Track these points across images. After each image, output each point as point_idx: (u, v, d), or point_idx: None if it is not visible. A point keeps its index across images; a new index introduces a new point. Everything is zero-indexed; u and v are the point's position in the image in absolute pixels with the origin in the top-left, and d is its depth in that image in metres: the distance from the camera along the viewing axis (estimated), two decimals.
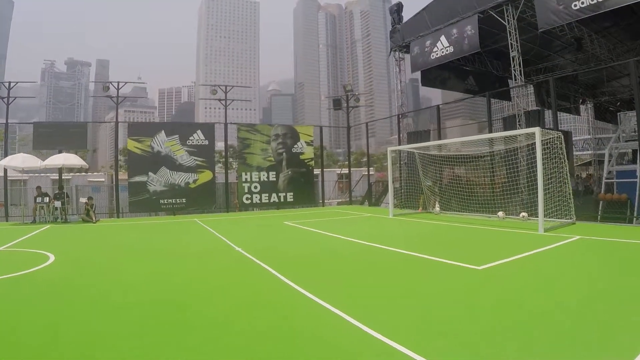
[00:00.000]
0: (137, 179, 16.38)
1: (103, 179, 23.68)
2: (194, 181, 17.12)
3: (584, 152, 30.67)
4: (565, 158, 10.18)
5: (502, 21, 13.64)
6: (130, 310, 4.04)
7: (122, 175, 19.25)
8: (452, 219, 12.06)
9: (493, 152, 13.04)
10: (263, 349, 2.99)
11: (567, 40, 15.30)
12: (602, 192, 13.87)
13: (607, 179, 14.40)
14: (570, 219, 9.99)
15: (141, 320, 3.73)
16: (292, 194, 18.82)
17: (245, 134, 18.52)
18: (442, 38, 15.40)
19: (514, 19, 13.36)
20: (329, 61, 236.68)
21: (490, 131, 14.19)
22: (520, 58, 13.71)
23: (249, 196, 18.09)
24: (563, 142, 10.18)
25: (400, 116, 18.59)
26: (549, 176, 9.82)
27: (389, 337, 3.09)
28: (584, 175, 24.02)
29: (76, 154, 17.43)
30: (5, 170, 15.29)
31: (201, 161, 17.33)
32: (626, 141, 15.63)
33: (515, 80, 13.96)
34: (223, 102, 18.04)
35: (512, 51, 13.67)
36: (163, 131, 17.07)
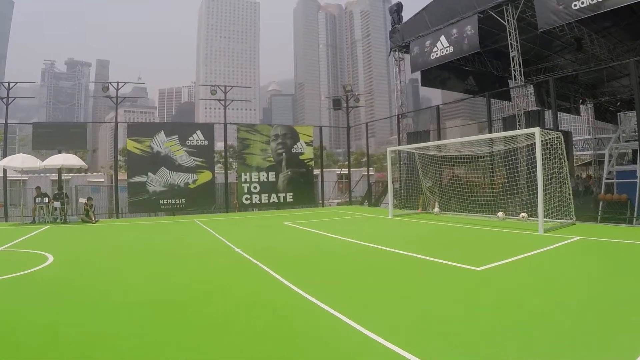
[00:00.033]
0: (137, 179, 16.37)
1: (102, 179, 23.66)
2: (194, 181, 17.11)
3: (584, 152, 30.65)
4: (565, 158, 10.16)
5: (502, 21, 13.63)
6: (129, 310, 4.04)
7: (122, 175, 19.23)
8: (451, 219, 12.05)
9: (493, 152, 13.02)
10: (262, 350, 2.98)
11: (567, 40, 15.29)
12: (602, 192, 13.85)
13: (607, 179, 14.38)
14: (570, 219, 9.97)
15: (140, 321, 3.72)
16: (291, 194, 18.80)
17: (244, 134, 18.51)
18: (442, 38, 15.39)
19: (513, 19, 13.35)
20: (329, 61, 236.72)
21: (490, 131, 14.18)
22: (520, 58, 13.70)
23: (249, 196, 18.08)
24: (563, 142, 10.16)
25: (400, 116, 18.57)
26: (549, 177, 9.80)
27: (387, 339, 3.08)
28: (584, 175, 24.00)
29: (76, 154, 17.42)
30: (5, 171, 15.28)
31: (201, 161, 17.32)
32: (626, 141, 15.61)
33: (515, 80, 13.95)
34: (223, 102, 18.02)
35: (512, 51, 13.66)
36: (162, 131, 17.05)
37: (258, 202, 18.29)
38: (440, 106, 17.84)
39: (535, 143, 9.15)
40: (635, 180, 11.84)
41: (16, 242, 9.32)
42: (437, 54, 15.69)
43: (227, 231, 10.84)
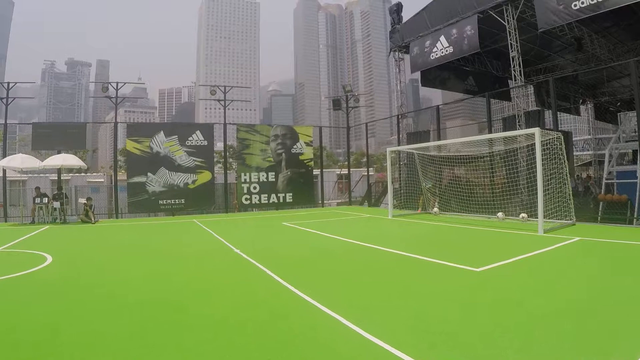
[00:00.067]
0: (136, 179, 16.35)
1: (102, 180, 23.64)
2: (193, 182, 17.09)
3: (584, 153, 30.61)
4: (565, 159, 10.13)
5: (502, 21, 13.61)
6: (127, 310, 4.02)
7: (122, 175, 19.22)
8: (451, 220, 12.03)
9: (493, 152, 13.00)
10: (259, 350, 2.97)
11: (567, 40, 15.27)
12: (602, 192, 13.83)
13: (607, 179, 14.36)
14: (570, 220, 9.95)
15: (138, 321, 3.71)
16: (291, 194, 18.78)
17: (244, 135, 18.49)
18: (442, 38, 15.38)
19: (513, 19, 13.33)
20: (329, 61, 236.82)
21: (490, 132, 14.16)
22: (520, 58, 13.68)
23: (248, 197, 18.06)
24: (563, 142, 10.14)
25: (399, 117, 18.55)
26: (549, 177, 9.78)
27: (385, 340, 3.06)
28: (584, 175, 23.97)
29: (75, 154, 17.42)
30: (4, 171, 15.28)
31: (200, 162, 17.30)
32: (626, 141, 15.59)
33: (515, 80, 13.93)
34: (222, 102, 18.00)
35: (512, 51, 13.65)
36: (162, 132, 17.04)
37: (258, 202, 18.27)
38: (440, 106, 17.82)
39: (535, 143, 9.12)
40: (635, 180, 11.82)
41: (15, 242, 9.31)
42: (437, 54, 15.68)
43: (226, 231, 10.82)
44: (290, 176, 18.86)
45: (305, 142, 19.41)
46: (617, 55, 16.58)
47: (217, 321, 3.71)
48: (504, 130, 13.91)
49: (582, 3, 10.93)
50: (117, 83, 16.72)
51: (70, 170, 19.62)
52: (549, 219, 9.58)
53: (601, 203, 12.42)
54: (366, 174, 21.93)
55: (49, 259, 6.99)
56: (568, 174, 10.11)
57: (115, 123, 17.34)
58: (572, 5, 11.16)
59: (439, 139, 16.28)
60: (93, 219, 14.07)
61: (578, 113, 24.73)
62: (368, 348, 2.99)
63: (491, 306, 3.93)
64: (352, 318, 3.58)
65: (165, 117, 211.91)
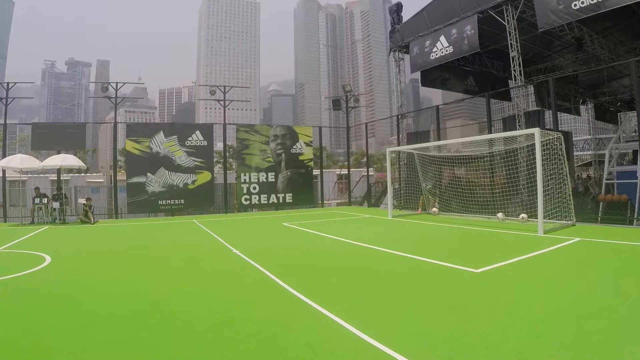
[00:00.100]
0: (136, 179, 16.33)
1: (102, 180, 23.63)
2: (193, 182, 17.07)
3: (585, 153, 30.59)
4: (565, 159, 10.10)
5: (502, 21, 13.59)
6: (124, 311, 4.00)
7: (122, 176, 19.20)
8: (451, 220, 12.01)
9: (493, 152, 12.97)
10: (259, 351, 2.96)
11: (568, 40, 15.23)
12: (603, 193, 13.80)
13: (607, 179, 14.33)
14: (570, 220, 9.92)
15: (135, 322, 3.69)
16: (291, 194, 18.76)
17: (244, 135, 18.47)
18: (442, 38, 15.35)
19: (513, 19, 13.30)
20: (330, 61, 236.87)
21: (490, 132, 14.13)
22: (520, 58, 13.66)
23: (248, 197, 18.04)
24: (563, 143, 10.11)
25: (399, 117, 18.53)
26: (549, 177, 9.75)
27: (384, 343, 3.04)
28: (584, 175, 23.96)
29: (75, 154, 17.40)
30: (4, 171, 15.27)
31: (200, 162, 17.28)
32: (626, 142, 15.57)
33: (515, 80, 13.90)
34: (222, 102, 17.98)
35: (512, 51, 13.62)
36: (162, 132, 17.02)
37: (257, 202, 18.25)
38: (440, 106, 17.79)
39: (535, 143, 9.10)
40: (635, 180, 11.80)
41: (14, 242, 9.30)
42: (436, 54, 15.65)
43: (225, 232, 10.80)
44: (290, 176, 18.84)
45: (304, 142, 19.38)
46: (617, 55, 16.55)
47: (216, 322, 3.69)
48: (504, 130, 13.89)
49: (582, 3, 10.91)
50: (117, 83, 16.71)
51: (70, 170, 19.60)
52: (549, 219, 9.55)
53: (601, 203, 12.39)
54: (366, 174, 21.90)
55: (48, 259, 6.98)
56: (568, 175, 10.08)
57: (115, 123, 17.33)
58: (572, 5, 11.13)
59: (439, 139, 16.25)
60: (92, 220, 14.06)
61: (578, 113, 24.70)
62: (367, 350, 2.97)
63: (490, 308, 3.91)
64: (351, 320, 3.56)
65: (165, 117, 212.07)
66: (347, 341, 3.16)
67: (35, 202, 14.25)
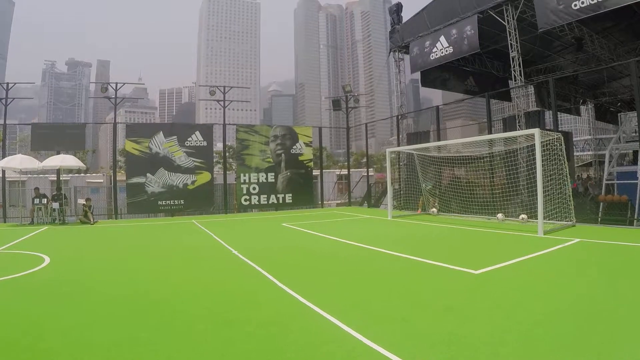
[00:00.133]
0: (135, 180, 16.32)
1: (102, 180, 23.62)
2: (192, 182, 17.05)
3: (585, 153, 30.60)
4: (565, 159, 10.08)
5: (502, 21, 13.57)
6: (122, 312, 3.99)
7: (122, 176, 19.19)
8: (451, 221, 11.99)
9: (493, 153, 12.96)
10: (258, 352, 2.95)
11: (568, 40, 15.22)
12: (603, 193, 13.78)
13: (607, 180, 14.31)
14: (570, 221, 9.90)
15: (133, 323, 3.67)
16: (290, 195, 18.74)
17: (243, 135, 18.45)
18: (442, 38, 15.34)
19: (513, 19, 13.29)
20: (330, 62, 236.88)
21: (490, 132, 14.11)
22: (520, 58, 13.64)
23: (248, 197, 18.02)
24: (563, 143, 10.09)
25: (399, 117, 18.51)
26: (549, 178, 9.73)
27: (382, 345, 3.02)
28: (584, 176, 23.95)
29: (75, 154, 17.39)
30: (4, 172, 15.26)
31: (199, 162, 17.26)
32: (627, 142, 15.56)
33: (515, 80, 13.89)
34: (222, 103, 17.97)
35: (512, 51, 13.60)
36: (161, 132, 17.00)
37: (257, 203, 18.23)
38: (440, 107, 17.77)
39: (535, 144, 9.08)
40: (635, 181, 11.78)
41: (14, 243, 9.29)
42: (436, 55, 15.64)
43: (225, 232, 10.79)
44: (290, 177, 18.82)
45: (304, 143, 19.37)
46: (617, 55, 16.53)
47: (215, 322, 3.68)
48: (504, 130, 13.87)
49: (582, 3, 10.89)
50: (117, 84, 16.70)
51: (69, 170, 19.57)
52: (549, 220, 9.53)
53: (601, 204, 12.36)
54: (366, 174, 21.88)
55: (47, 260, 6.96)
56: (568, 175, 10.06)
57: (115, 123, 17.33)
58: (572, 5, 11.11)
59: (439, 139, 16.23)
60: (92, 220, 14.05)
61: (578, 113, 24.69)
62: (365, 352, 2.96)
63: (490, 309, 3.89)
64: (349, 322, 3.55)
65: (165, 118, 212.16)
66: (345, 343, 3.15)
67: (35, 202, 14.24)
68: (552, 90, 12.80)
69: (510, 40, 13.49)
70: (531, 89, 17.37)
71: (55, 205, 14.29)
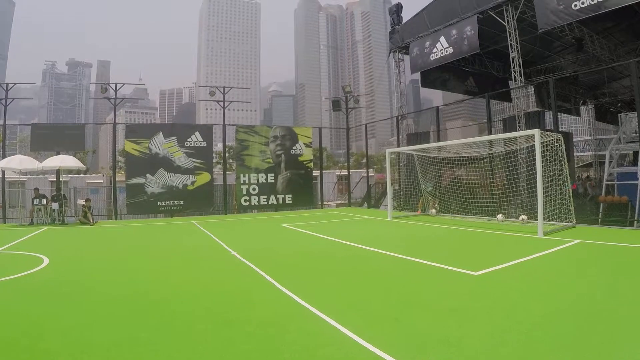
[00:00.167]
0: (135, 180, 16.31)
1: (101, 181, 23.62)
2: (192, 183, 17.04)
3: (585, 154, 30.61)
4: (565, 160, 10.07)
5: (502, 22, 13.57)
6: (121, 313, 3.98)
7: (122, 177, 19.19)
8: (451, 221, 11.97)
9: (493, 153, 12.95)
10: (257, 352, 2.94)
11: (568, 41, 15.21)
12: (603, 194, 13.77)
13: (607, 180, 14.30)
14: (570, 222, 9.88)
15: (132, 324, 3.66)
16: (290, 195, 18.73)
17: (243, 136, 18.44)
18: (442, 39, 15.33)
19: (513, 19, 13.28)
20: (330, 62, 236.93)
21: (490, 133, 14.10)
22: (520, 59, 13.63)
23: (247, 198, 18.01)
24: (563, 144, 10.07)
25: (399, 117, 18.51)
26: (549, 179, 9.72)
27: (381, 348, 3.01)
28: (584, 176, 23.93)
29: (75, 155, 17.38)
30: (3, 172, 15.26)
31: (199, 163, 17.24)
32: (627, 143, 15.55)
33: (516, 81, 13.88)
34: (221, 103, 17.96)
35: (512, 52, 13.60)
36: (161, 133, 16.99)
37: (257, 203, 18.22)
38: (440, 107, 17.77)
39: (535, 144, 9.06)
40: (636, 182, 11.76)
41: (13, 243, 9.29)
42: (436, 55, 15.63)
43: (224, 233, 10.78)
44: (290, 177, 18.81)
45: (304, 143, 19.36)
46: (617, 55, 16.52)
47: (214, 322, 3.67)
48: (504, 131, 13.85)
49: (583, 3, 10.88)
50: (117, 84, 16.70)
51: (69, 171, 19.56)
52: (549, 221, 9.51)
53: (601, 205, 12.35)
54: (366, 175, 21.87)
55: (46, 260, 6.95)
56: (568, 176, 10.04)
57: (114, 124, 17.33)
58: (572, 6, 11.11)
59: (439, 140, 16.21)
60: (91, 221, 14.04)
61: (578, 114, 24.68)
62: (363, 354, 2.94)
63: (489, 310, 3.88)
64: (347, 323, 3.54)
65: (165, 118, 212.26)
66: (344, 345, 3.13)
67: (35, 203, 14.24)
68: (552, 91, 12.80)
69: (510, 40, 13.48)
70: (531, 90, 17.38)
71: (55, 205, 14.28)
